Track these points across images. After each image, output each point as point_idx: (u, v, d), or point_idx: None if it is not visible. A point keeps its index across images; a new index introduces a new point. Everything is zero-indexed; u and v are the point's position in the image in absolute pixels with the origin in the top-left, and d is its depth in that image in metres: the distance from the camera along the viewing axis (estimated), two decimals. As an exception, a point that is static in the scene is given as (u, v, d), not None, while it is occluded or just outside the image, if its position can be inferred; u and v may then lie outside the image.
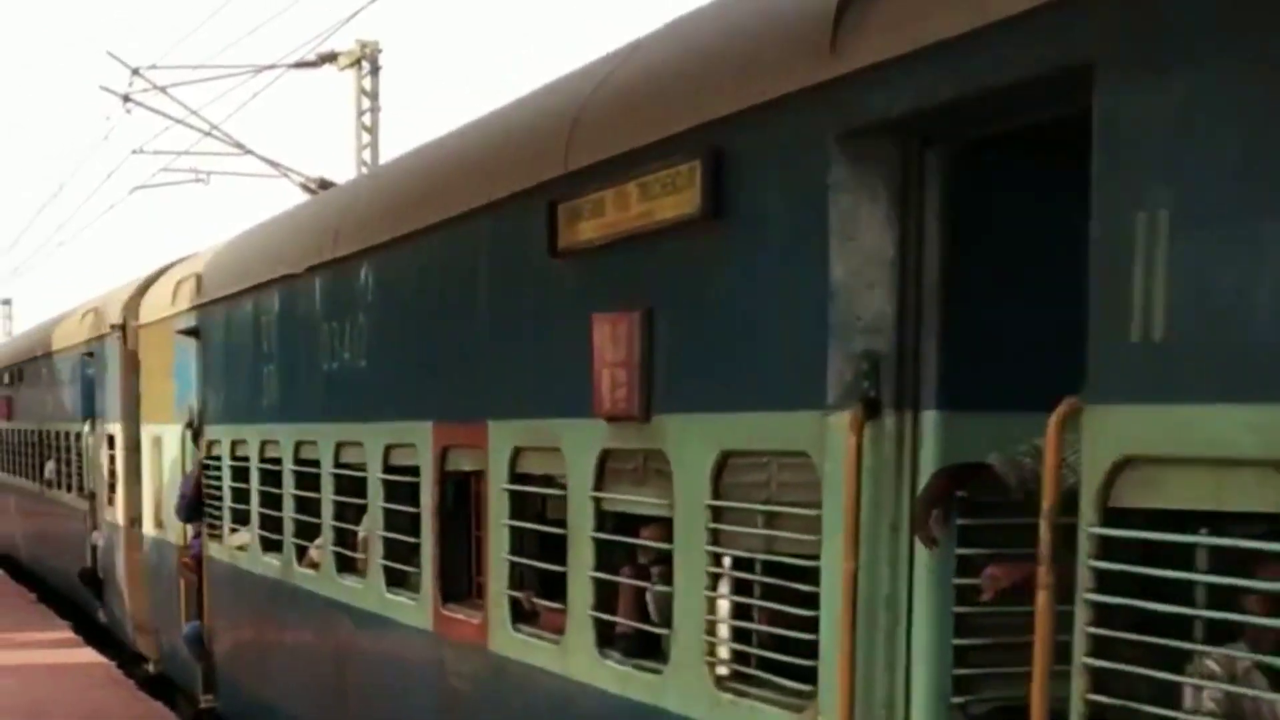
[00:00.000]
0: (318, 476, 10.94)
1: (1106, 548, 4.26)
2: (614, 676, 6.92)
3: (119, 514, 19.47)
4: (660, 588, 6.68)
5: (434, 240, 8.97)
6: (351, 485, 10.38)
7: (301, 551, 11.67)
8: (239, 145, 21.57)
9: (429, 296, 9.18)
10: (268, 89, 39.46)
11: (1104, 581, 4.28)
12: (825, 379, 5.37)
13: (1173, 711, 4.20)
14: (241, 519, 13.32)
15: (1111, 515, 4.24)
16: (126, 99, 21.58)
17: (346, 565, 10.67)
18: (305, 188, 19.78)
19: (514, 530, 7.90)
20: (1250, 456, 3.82)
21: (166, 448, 16.33)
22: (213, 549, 14.35)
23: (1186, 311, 3.95)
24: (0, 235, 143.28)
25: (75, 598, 23.53)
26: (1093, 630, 4.29)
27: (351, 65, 23.78)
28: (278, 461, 11.98)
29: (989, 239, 5.23)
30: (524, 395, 7.79)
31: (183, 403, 15.26)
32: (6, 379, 30.97)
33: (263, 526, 12.52)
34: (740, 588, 6.09)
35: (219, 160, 24.12)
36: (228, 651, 14.45)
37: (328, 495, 10.74)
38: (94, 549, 21.69)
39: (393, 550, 9.64)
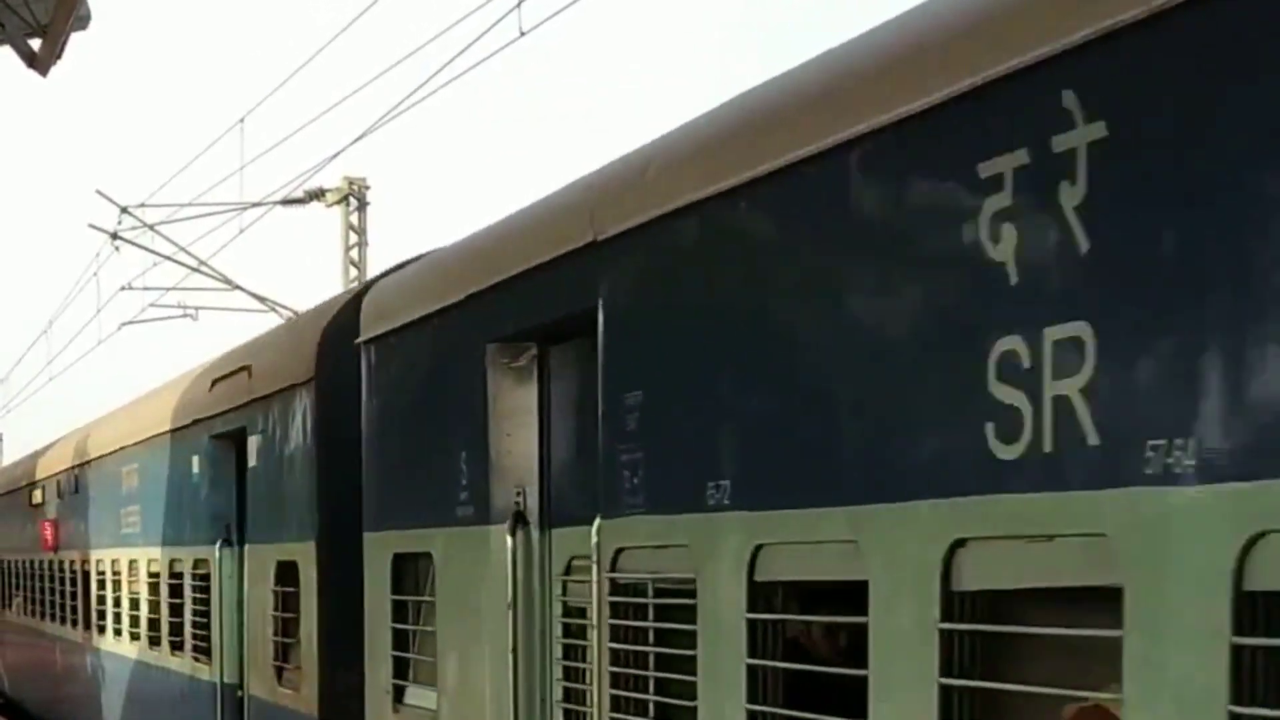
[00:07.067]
0: None
1: None
2: None
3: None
4: None
5: None
6: None
7: None
8: (227, 281, 21.76)
9: None
10: (255, 224, 39.72)
11: None
12: None
13: None
14: None
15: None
16: (115, 236, 21.80)
17: None
18: (292, 322, 19.88)
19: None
20: None
21: None
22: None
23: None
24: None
25: None
26: None
27: (339, 201, 24.00)
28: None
29: None
30: None
31: None
32: None
33: None
34: None
35: (207, 296, 24.26)
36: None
37: None
38: None
39: None
